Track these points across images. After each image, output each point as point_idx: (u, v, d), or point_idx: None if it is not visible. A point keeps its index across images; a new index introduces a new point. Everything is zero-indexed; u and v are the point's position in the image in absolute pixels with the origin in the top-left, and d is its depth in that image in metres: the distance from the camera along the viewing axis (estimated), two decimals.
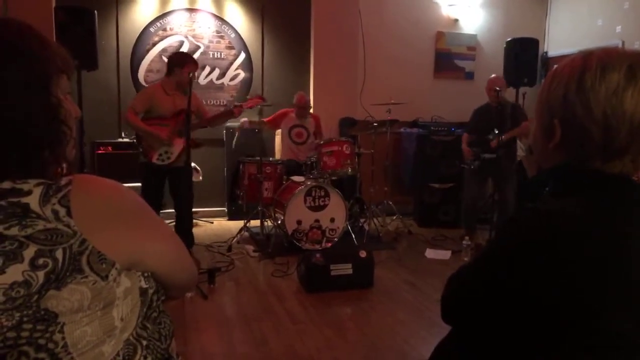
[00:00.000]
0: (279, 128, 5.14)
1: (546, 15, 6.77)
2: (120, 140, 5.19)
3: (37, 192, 0.73)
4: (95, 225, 0.75)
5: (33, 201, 0.72)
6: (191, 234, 4.13)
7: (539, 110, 0.93)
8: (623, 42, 5.62)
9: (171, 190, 4.05)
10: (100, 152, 4.97)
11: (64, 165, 0.82)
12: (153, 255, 0.85)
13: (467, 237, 4.49)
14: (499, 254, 0.86)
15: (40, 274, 0.70)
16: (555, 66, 0.92)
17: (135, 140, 4.05)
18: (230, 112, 4.09)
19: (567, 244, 0.77)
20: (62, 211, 0.72)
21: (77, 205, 0.73)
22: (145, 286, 0.85)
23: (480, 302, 0.90)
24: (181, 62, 3.84)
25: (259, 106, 4.34)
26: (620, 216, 0.82)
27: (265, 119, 5.01)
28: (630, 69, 0.80)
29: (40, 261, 0.70)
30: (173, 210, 4.13)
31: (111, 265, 0.75)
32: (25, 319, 0.69)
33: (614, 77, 0.81)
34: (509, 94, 4.89)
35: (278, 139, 5.43)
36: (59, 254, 0.71)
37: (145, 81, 5.40)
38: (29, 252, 0.70)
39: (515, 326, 0.83)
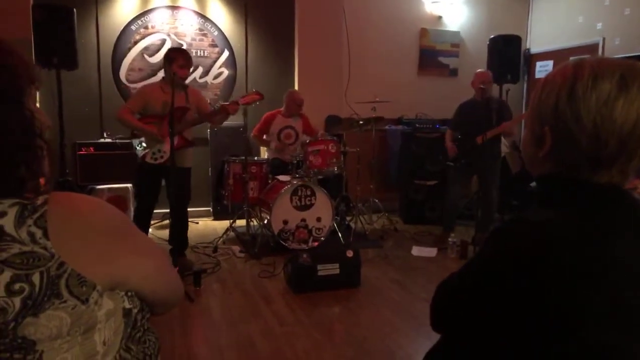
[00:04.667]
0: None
1: (528, 12, 6.83)
2: (102, 140, 5.10)
3: (12, 213, 0.69)
4: (73, 247, 0.71)
5: (8, 223, 0.69)
6: (185, 237, 4.00)
7: (529, 118, 0.93)
8: (604, 39, 5.70)
9: (167, 191, 3.91)
10: (81, 153, 4.87)
11: (42, 180, 0.78)
12: (136, 273, 0.81)
13: (452, 235, 4.51)
14: (488, 264, 0.86)
15: (17, 300, 0.67)
16: (547, 73, 0.91)
17: (131, 139, 3.92)
18: (225, 110, 3.85)
19: (556, 255, 0.77)
20: (38, 233, 0.69)
21: (55, 226, 0.70)
22: (129, 306, 0.81)
23: (469, 312, 0.90)
24: (169, 58, 3.71)
25: (257, 103, 4.18)
26: (608, 226, 0.82)
27: (255, 132, 4.98)
28: (622, 78, 0.80)
29: (17, 286, 0.67)
30: (167, 210, 4.04)
31: (92, 287, 0.72)
32: (1, 347, 0.66)
33: (605, 86, 0.80)
34: (493, 90, 4.90)
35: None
36: (35, 278, 0.68)
37: (127, 80, 5.31)
38: (4, 277, 0.66)
39: (504, 336, 0.83)
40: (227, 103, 3.95)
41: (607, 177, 0.84)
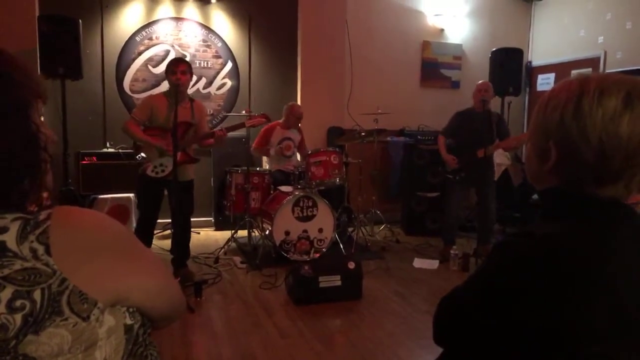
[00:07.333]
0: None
1: (530, 25, 6.87)
2: (105, 150, 5.12)
3: (14, 228, 0.69)
4: (75, 263, 0.71)
5: (10, 239, 0.68)
6: (187, 248, 3.97)
7: (533, 132, 0.93)
8: (605, 53, 5.72)
9: (169, 202, 3.87)
10: (84, 162, 4.90)
11: (45, 194, 0.78)
12: (138, 290, 0.80)
13: (454, 247, 4.50)
14: (491, 277, 0.86)
15: (18, 317, 0.66)
16: (551, 88, 0.92)
17: (133, 151, 3.87)
18: (212, 135, 3.79)
19: (558, 268, 0.78)
20: (40, 249, 0.68)
21: (57, 242, 0.70)
22: (130, 322, 0.80)
23: (472, 325, 0.89)
24: (167, 69, 3.68)
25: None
26: (612, 241, 0.82)
27: (255, 145, 4.99)
28: (628, 95, 0.81)
29: (18, 303, 0.66)
30: (169, 220, 4.02)
31: (93, 304, 0.71)
32: None
33: (611, 102, 0.81)
34: (495, 103, 4.89)
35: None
36: (37, 295, 0.67)
37: (131, 90, 5.35)
38: (6, 294, 0.66)
39: (508, 350, 0.83)
40: (228, 127, 3.90)
41: (612, 192, 0.85)
